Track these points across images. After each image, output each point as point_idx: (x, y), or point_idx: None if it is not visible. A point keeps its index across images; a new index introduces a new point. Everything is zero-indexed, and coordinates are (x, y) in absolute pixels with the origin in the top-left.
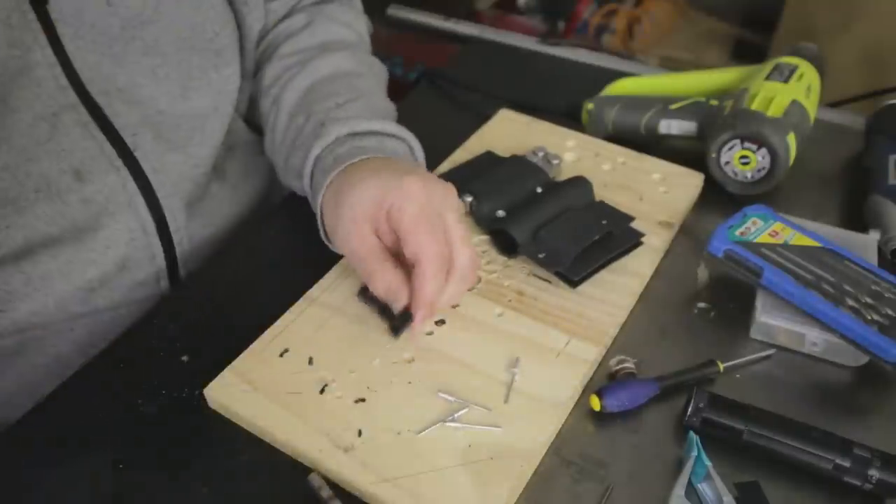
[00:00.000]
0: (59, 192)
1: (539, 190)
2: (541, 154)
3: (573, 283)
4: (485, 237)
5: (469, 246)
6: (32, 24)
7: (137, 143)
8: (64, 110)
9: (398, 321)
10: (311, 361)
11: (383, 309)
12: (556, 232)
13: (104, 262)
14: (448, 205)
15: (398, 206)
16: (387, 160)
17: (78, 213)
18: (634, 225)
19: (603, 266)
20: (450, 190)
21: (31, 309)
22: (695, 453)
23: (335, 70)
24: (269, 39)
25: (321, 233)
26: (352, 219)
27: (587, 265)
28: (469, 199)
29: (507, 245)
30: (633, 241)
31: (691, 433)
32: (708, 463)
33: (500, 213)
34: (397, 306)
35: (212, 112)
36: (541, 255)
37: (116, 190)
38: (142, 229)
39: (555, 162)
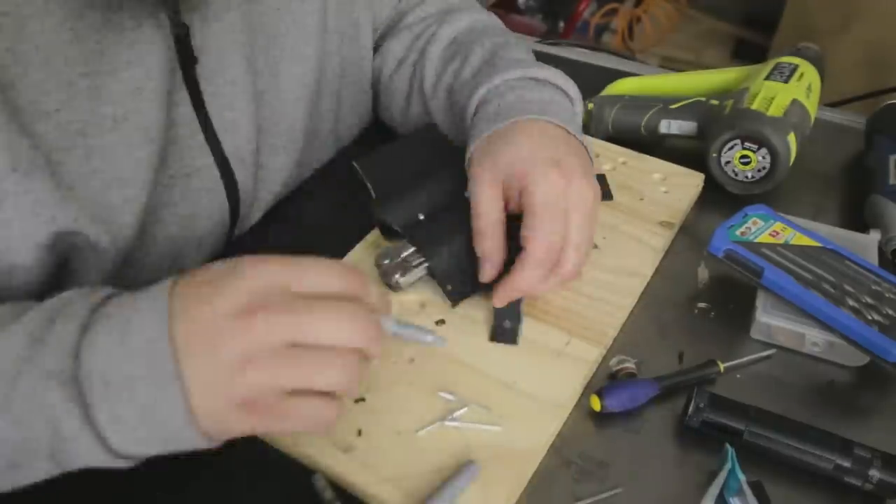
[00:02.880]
0: (180, 260)
1: (467, 195)
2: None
3: (452, 304)
4: None
5: (581, 254)
6: (178, 84)
7: (245, 209)
8: (198, 171)
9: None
10: None
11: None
12: (460, 251)
13: None
14: (580, 205)
15: (532, 188)
16: (545, 130)
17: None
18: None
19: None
20: (588, 190)
21: None
22: (729, 466)
23: (472, 23)
24: (386, 22)
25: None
26: (491, 181)
27: (470, 287)
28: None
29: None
30: None
31: (728, 445)
32: (742, 476)
33: (421, 216)
34: (486, 274)
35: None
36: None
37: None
38: None
39: None
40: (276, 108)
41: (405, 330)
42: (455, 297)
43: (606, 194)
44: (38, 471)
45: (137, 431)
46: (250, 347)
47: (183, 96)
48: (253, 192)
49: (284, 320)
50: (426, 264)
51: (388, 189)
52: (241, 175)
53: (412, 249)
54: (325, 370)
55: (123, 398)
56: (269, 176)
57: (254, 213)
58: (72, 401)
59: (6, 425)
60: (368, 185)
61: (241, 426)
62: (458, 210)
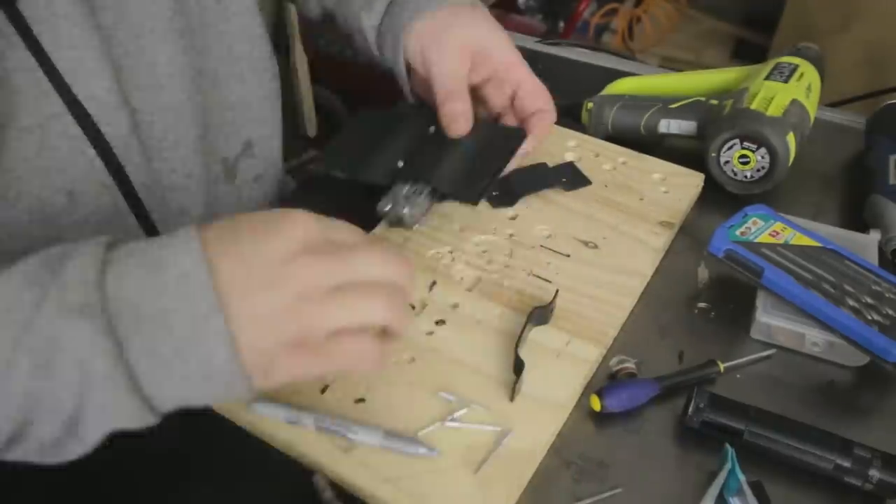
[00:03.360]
0: (52, 216)
1: (432, 129)
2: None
3: (475, 202)
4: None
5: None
6: (4, 28)
7: (129, 156)
8: (49, 121)
9: None
10: None
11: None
12: (453, 165)
13: None
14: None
15: (521, 83)
16: (479, 12)
17: (71, 238)
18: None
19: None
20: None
21: None
22: (729, 466)
23: None
24: None
25: (401, 66)
26: (455, 48)
27: (482, 182)
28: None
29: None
30: (515, 142)
31: (727, 446)
32: (741, 477)
33: (400, 163)
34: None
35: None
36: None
37: (108, 212)
38: None
39: None
40: (131, 45)
41: (394, 443)
42: (473, 197)
43: (581, 181)
44: (45, 435)
45: (174, 368)
46: (306, 289)
47: (13, 40)
48: (137, 142)
49: (336, 265)
50: (429, 188)
51: (360, 161)
52: (106, 120)
53: (408, 186)
54: (372, 303)
55: (159, 332)
56: (153, 122)
57: (168, 174)
58: (102, 334)
59: (23, 376)
60: (342, 172)
61: (288, 366)
62: (433, 142)
